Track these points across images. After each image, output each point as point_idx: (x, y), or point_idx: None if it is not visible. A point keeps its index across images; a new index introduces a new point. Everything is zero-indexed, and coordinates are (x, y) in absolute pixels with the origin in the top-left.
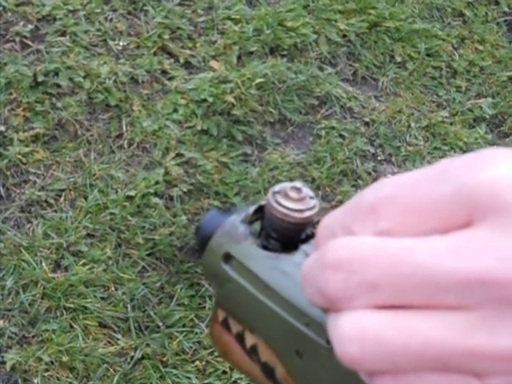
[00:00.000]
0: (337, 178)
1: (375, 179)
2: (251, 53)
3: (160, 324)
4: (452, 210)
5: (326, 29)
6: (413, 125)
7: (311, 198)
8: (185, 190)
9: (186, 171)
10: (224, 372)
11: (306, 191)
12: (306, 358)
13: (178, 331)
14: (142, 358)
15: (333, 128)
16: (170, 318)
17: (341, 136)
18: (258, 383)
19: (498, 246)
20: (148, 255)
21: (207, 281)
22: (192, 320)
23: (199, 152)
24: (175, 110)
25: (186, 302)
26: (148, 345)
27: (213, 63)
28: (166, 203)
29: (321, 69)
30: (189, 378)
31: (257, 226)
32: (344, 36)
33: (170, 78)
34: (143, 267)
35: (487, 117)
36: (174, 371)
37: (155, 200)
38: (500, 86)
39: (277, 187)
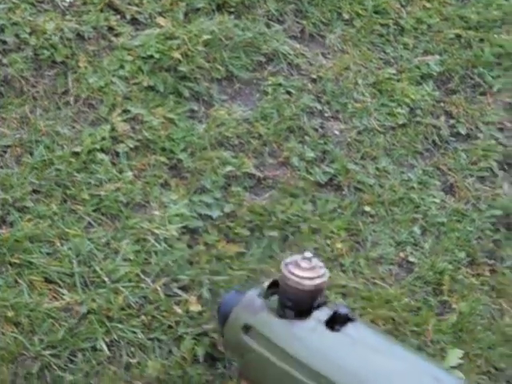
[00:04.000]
0: (283, 134)
1: (322, 135)
2: (198, 9)
3: (106, 279)
4: None
5: None
6: (360, 82)
7: (321, 267)
8: (131, 145)
9: (132, 127)
10: (170, 327)
11: (316, 261)
12: None
13: (123, 286)
14: (88, 312)
15: (280, 85)
16: (116, 273)
17: (288, 93)
18: None
19: None
20: (94, 211)
21: (228, 356)
22: (138, 275)
23: (145, 108)
24: (121, 67)
25: (131, 257)
26: (94, 300)
27: (159, 20)
28: (112, 159)
29: (268, 26)
30: (134, 332)
31: (273, 299)
32: None
33: (117, 35)
34: (89, 223)
35: (434, 74)
36: (120, 326)
37: (101, 156)
38: (447, 43)
39: (288, 259)
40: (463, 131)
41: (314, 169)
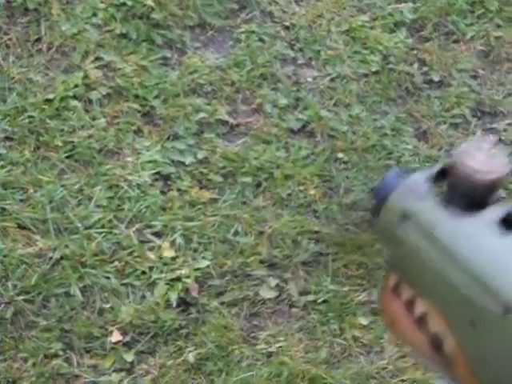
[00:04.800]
0: (256, 81)
1: (295, 82)
2: None
3: (79, 225)
4: None
5: None
6: (333, 29)
7: (501, 158)
8: (104, 93)
9: (105, 74)
10: (143, 272)
11: (497, 152)
12: (479, 329)
13: (96, 232)
14: (61, 258)
15: (253, 32)
16: (89, 219)
17: (261, 40)
18: (422, 357)
19: None
20: (67, 157)
21: (381, 245)
22: (111, 221)
23: (118, 56)
24: (94, 14)
25: (104, 204)
26: (67, 246)
27: None
28: (84, 106)
29: None
30: (108, 278)
31: (441, 187)
32: None
33: None
34: (62, 169)
35: (407, 21)
36: (93, 271)
37: (74, 103)
38: None
39: (464, 146)
40: (436, 78)
41: (286, 116)
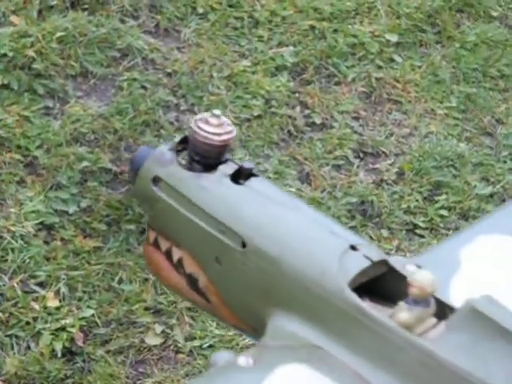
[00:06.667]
0: (139, 128)
1: (178, 129)
2: (51, 7)
3: None
4: None
5: None
6: (215, 75)
7: (229, 124)
8: None
9: None
10: (27, 323)
11: (224, 118)
12: (224, 264)
13: None
14: None
15: (135, 79)
16: None
17: (143, 87)
18: (185, 299)
19: None
20: None
21: (141, 207)
22: None
23: (0, 106)
24: None
25: None
26: None
27: (13, 18)
28: None
29: (123, 21)
30: None
31: (183, 153)
32: None
33: None
34: None
35: (289, 65)
36: None
37: None
38: (301, 34)
39: (199, 115)
40: (318, 121)
41: None
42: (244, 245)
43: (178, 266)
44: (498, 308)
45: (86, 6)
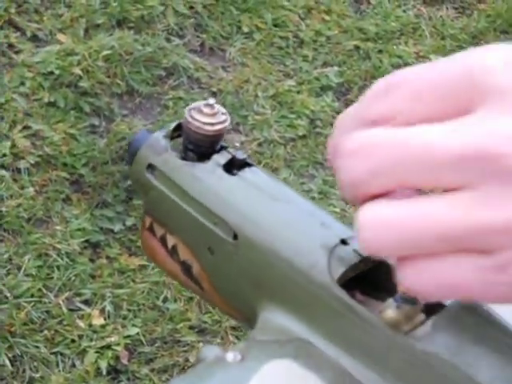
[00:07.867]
0: None
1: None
2: (98, 25)
3: (8, 295)
4: (456, 93)
5: (173, 0)
6: (260, 94)
7: (223, 113)
8: (32, 161)
9: (33, 143)
10: (72, 340)
11: (218, 107)
12: (216, 254)
13: (26, 301)
14: None
15: (180, 98)
16: (18, 288)
17: (188, 106)
18: (180, 283)
19: (491, 123)
20: None
21: (137, 191)
22: (40, 290)
23: (46, 124)
24: (22, 83)
25: (33, 273)
26: None
27: (60, 36)
28: (13, 175)
29: (168, 40)
30: (37, 347)
31: (179, 141)
32: (191, 7)
33: (17, 52)
34: None
35: (333, 85)
36: (23, 341)
37: (2, 172)
38: (346, 54)
39: (192, 104)
40: None
41: None
42: (235, 236)
43: (173, 252)
44: (486, 304)
45: (132, 25)
